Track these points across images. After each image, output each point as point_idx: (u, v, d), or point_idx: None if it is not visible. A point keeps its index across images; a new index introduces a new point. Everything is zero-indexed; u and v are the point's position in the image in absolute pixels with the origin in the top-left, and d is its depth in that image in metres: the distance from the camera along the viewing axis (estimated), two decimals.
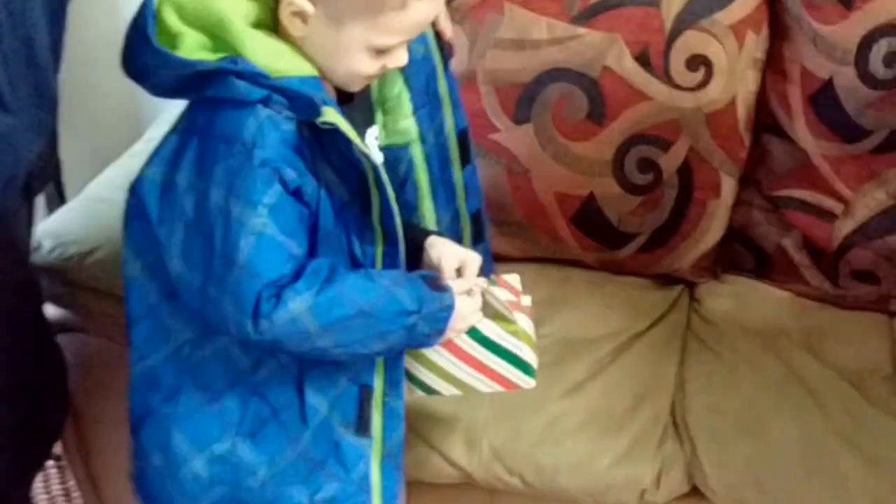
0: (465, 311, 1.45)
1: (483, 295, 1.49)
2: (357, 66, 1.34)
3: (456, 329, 1.44)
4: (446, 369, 1.54)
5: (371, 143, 1.50)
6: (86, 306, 1.89)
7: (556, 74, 1.96)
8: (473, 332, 1.49)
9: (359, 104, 1.48)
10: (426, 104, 1.58)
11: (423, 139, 1.59)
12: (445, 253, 1.48)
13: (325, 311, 1.32)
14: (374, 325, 1.35)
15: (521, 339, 1.49)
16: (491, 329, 1.49)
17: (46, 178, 2.35)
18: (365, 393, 1.45)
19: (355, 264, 1.40)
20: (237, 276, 1.29)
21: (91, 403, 1.86)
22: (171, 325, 1.43)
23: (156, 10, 1.31)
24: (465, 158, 1.65)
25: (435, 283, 1.42)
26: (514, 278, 1.55)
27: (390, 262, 1.40)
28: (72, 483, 1.97)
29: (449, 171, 1.64)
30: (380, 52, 1.33)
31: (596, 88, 1.95)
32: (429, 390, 1.57)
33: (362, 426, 1.45)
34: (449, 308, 1.41)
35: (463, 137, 1.63)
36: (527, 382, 1.51)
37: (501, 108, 1.99)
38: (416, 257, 1.50)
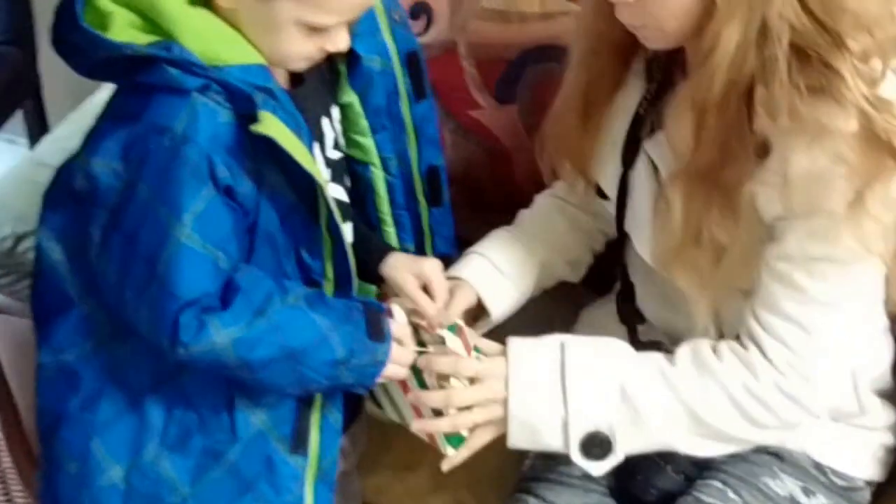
0: (399, 360, 1.35)
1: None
2: (290, 45, 1.25)
3: (386, 376, 1.34)
4: (392, 394, 1.46)
5: (327, 133, 1.40)
6: (18, 292, 1.82)
7: (543, 52, 1.82)
8: (418, 375, 1.40)
9: (318, 84, 1.38)
10: (387, 128, 1.46)
11: (385, 167, 1.49)
12: (406, 278, 1.42)
13: (250, 348, 1.24)
14: (298, 370, 1.27)
15: None
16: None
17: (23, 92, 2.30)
18: (303, 406, 1.36)
19: (303, 270, 1.31)
20: (157, 290, 1.22)
21: (25, 386, 1.75)
22: (94, 319, 1.35)
23: None
24: (435, 199, 1.54)
25: (377, 326, 1.31)
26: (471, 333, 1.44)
27: (341, 273, 1.32)
28: None
29: (415, 204, 1.53)
30: (314, 30, 1.23)
31: None
32: (375, 401, 1.51)
33: (299, 442, 1.36)
34: (380, 364, 1.32)
35: (432, 176, 1.52)
36: (445, 449, 1.40)
37: (484, 85, 1.86)
38: (375, 264, 1.44)
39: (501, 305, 1.53)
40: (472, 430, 1.37)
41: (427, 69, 1.49)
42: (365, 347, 1.29)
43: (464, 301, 1.47)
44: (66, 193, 1.30)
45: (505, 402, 1.35)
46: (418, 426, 1.38)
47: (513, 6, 1.83)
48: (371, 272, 1.45)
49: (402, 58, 1.44)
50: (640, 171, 1.42)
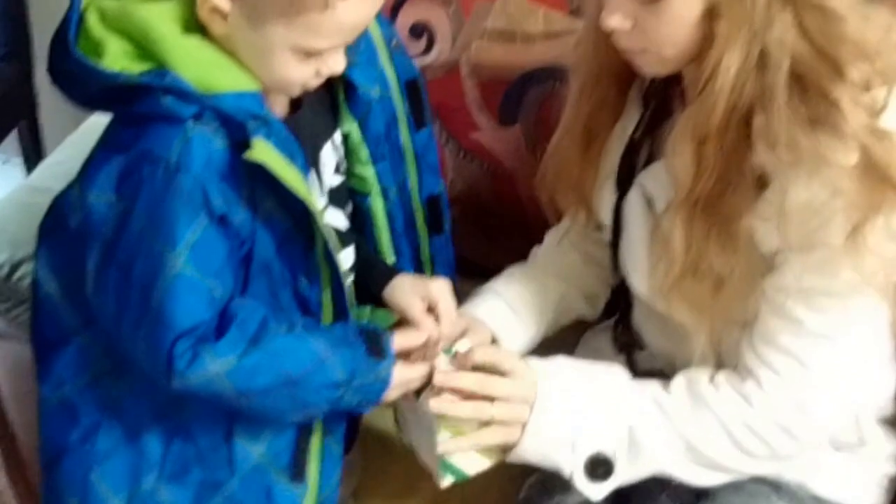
0: (404, 379, 1.33)
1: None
2: (285, 69, 1.22)
3: (390, 397, 1.33)
4: (405, 415, 1.46)
5: (328, 158, 1.38)
6: (15, 318, 1.80)
7: (547, 73, 1.80)
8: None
9: (318, 109, 1.36)
10: (387, 157, 1.44)
11: (385, 195, 1.46)
12: (412, 302, 1.39)
13: (246, 377, 1.22)
14: (298, 396, 1.25)
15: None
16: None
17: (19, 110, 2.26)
18: (303, 435, 1.34)
19: (300, 300, 1.29)
20: (152, 320, 1.21)
21: (23, 412, 1.74)
22: (90, 353, 1.33)
23: (81, 13, 1.21)
24: (436, 227, 1.52)
25: (377, 345, 1.29)
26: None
27: (339, 301, 1.30)
28: None
29: (414, 232, 1.51)
30: (309, 54, 1.21)
31: None
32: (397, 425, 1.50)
33: (298, 472, 1.34)
34: (384, 381, 1.30)
35: (432, 204, 1.50)
36: (443, 479, 1.38)
37: (486, 106, 1.84)
38: (380, 287, 1.43)
39: (515, 346, 1.52)
40: (486, 424, 1.35)
41: (428, 91, 1.47)
42: (367, 366, 1.27)
43: (478, 341, 1.46)
44: (61, 226, 1.29)
45: (532, 408, 1.34)
46: (436, 404, 1.34)
47: (517, 26, 1.81)
48: (375, 296, 1.43)
49: (402, 86, 1.42)
50: (634, 202, 1.41)
